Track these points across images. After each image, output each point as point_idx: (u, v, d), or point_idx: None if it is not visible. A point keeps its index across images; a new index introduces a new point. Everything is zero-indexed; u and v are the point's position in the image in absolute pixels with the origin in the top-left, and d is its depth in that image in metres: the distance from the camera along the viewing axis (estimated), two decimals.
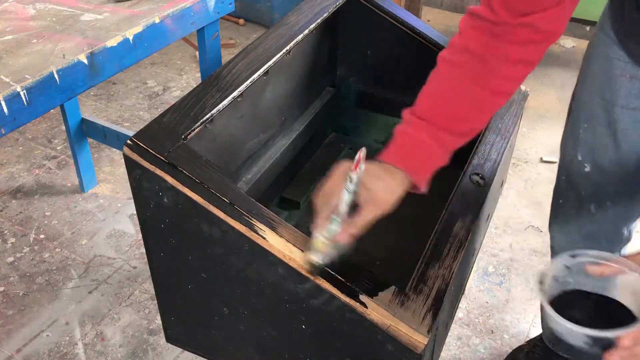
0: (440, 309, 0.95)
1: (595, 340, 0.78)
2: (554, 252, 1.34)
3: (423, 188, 0.94)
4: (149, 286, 1.74)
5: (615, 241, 1.23)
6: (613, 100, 1.05)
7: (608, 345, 0.77)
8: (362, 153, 0.88)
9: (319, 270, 0.93)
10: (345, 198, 0.88)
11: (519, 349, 1.55)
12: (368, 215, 0.90)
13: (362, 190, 0.89)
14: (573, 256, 0.91)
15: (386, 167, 0.92)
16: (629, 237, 1.23)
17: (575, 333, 0.79)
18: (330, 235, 0.89)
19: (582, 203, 1.18)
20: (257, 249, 0.99)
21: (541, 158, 2.30)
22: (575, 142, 1.15)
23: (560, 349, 1.43)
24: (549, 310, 0.83)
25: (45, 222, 1.98)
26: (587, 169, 1.14)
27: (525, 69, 0.92)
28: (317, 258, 0.92)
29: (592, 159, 1.13)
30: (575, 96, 1.16)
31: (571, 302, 0.91)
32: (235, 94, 1.21)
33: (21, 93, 1.09)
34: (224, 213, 1.00)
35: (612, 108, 1.06)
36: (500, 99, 0.94)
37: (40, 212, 2.02)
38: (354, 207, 0.90)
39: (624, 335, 0.74)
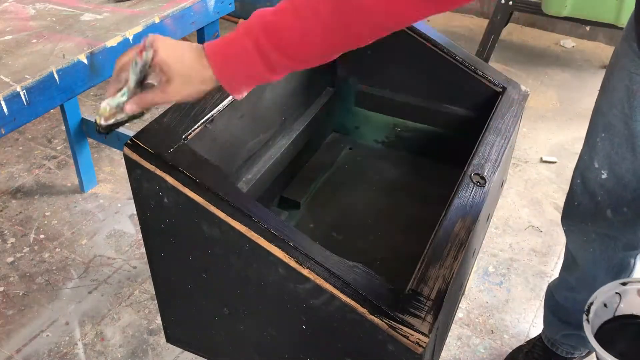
0: (440, 309, 0.95)
1: None
2: (569, 250, 1.33)
3: (237, 96, 0.91)
4: (149, 286, 1.74)
5: (631, 246, 1.22)
6: (633, 115, 1.05)
7: None
8: (147, 40, 0.89)
9: (105, 130, 1.00)
10: (133, 78, 0.93)
11: (519, 349, 1.56)
12: (155, 98, 0.92)
13: (162, 74, 0.90)
14: (624, 284, 0.92)
15: (204, 64, 0.87)
16: None
17: None
18: (116, 105, 0.96)
19: (599, 207, 1.18)
20: (258, 249, 0.99)
21: (541, 158, 2.30)
22: (591, 150, 1.15)
23: None
24: (595, 345, 0.85)
25: (45, 222, 1.98)
26: (604, 176, 1.14)
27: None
28: (102, 121, 0.98)
29: (609, 167, 1.13)
30: (595, 104, 1.16)
31: (620, 328, 0.92)
32: None
33: (21, 93, 1.09)
34: (224, 213, 1.00)
35: (632, 123, 1.06)
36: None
37: (40, 212, 2.01)
38: (147, 83, 0.95)
39: None
